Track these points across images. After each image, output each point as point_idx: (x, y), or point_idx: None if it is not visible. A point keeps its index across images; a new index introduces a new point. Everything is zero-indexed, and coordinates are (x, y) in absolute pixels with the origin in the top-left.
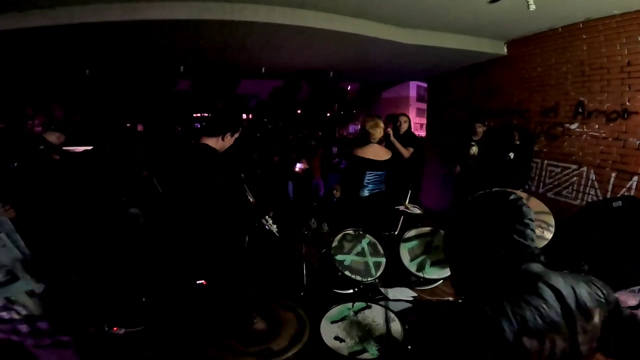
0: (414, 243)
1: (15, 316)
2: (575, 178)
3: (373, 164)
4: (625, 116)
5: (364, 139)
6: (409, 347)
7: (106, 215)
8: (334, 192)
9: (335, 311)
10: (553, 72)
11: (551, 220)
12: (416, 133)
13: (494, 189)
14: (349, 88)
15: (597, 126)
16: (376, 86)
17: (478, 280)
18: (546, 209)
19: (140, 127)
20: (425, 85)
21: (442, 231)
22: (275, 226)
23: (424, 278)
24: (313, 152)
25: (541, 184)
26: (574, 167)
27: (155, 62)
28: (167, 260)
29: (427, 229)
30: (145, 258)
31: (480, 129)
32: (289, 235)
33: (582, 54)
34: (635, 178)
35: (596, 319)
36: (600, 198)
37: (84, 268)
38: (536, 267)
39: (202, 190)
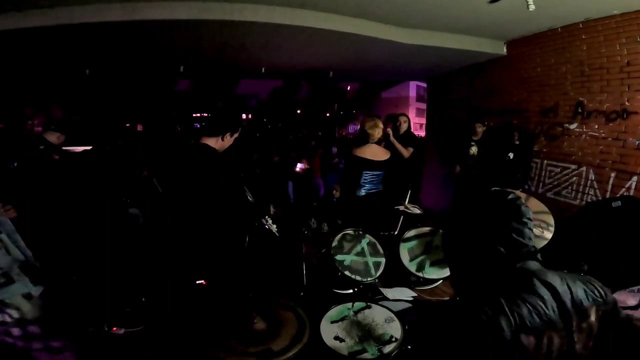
0: (413, 243)
1: (7, 319)
2: (574, 178)
3: (371, 164)
4: (625, 116)
5: (363, 139)
6: (409, 347)
7: (106, 215)
8: (334, 192)
9: (335, 311)
10: (552, 72)
11: (551, 220)
12: (416, 133)
13: (492, 189)
14: (348, 88)
15: (596, 126)
16: (376, 86)
17: (476, 278)
18: (546, 209)
19: (139, 127)
20: (424, 85)
21: (441, 231)
22: (275, 226)
23: (423, 278)
24: (313, 152)
25: (541, 184)
26: (574, 167)
27: (155, 62)
28: (166, 260)
29: (426, 229)
30: (145, 258)
31: (480, 129)
32: (289, 235)
33: (582, 54)
34: (635, 178)
35: (592, 317)
36: (600, 198)
37: (84, 268)
38: (533, 265)
39: (202, 190)
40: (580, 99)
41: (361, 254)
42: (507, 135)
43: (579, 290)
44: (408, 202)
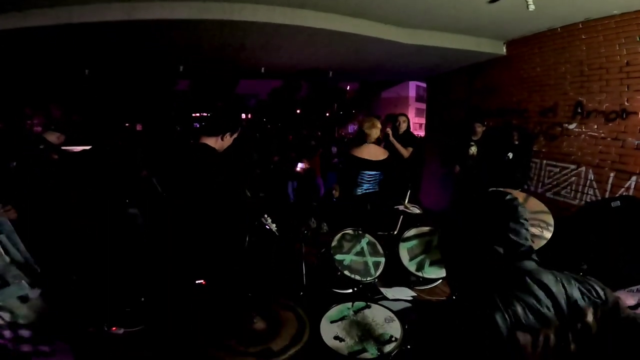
0: (413, 243)
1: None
2: (574, 178)
3: (368, 164)
4: (624, 116)
5: (361, 138)
6: (409, 346)
7: (106, 215)
8: (333, 191)
9: (334, 311)
10: (552, 72)
11: (550, 219)
12: (415, 133)
13: (490, 189)
14: (348, 88)
15: (595, 126)
16: (375, 86)
17: (472, 277)
18: (545, 209)
19: (139, 127)
20: (424, 85)
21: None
22: (274, 225)
23: (423, 278)
24: (312, 151)
25: (540, 184)
26: (573, 167)
27: (154, 62)
28: (166, 260)
29: (426, 229)
30: (145, 258)
31: (480, 128)
32: (289, 234)
33: (581, 54)
34: (634, 178)
35: (589, 318)
36: (599, 198)
37: (84, 268)
38: (529, 264)
39: (201, 190)
40: (580, 99)
41: (361, 253)
42: (507, 135)
43: (574, 291)
44: (408, 202)
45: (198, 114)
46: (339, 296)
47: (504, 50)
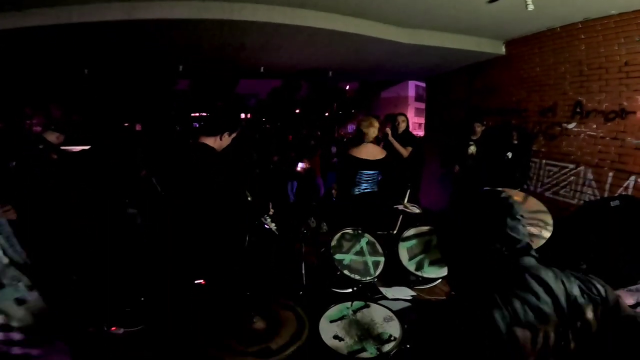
0: (412, 242)
1: None
2: (573, 177)
3: (366, 164)
4: (623, 116)
5: (359, 138)
6: (408, 346)
7: (105, 215)
8: (332, 191)
9: (334, 310)
10: (551, 72)
11: (549, 219)
12: (415, 133)
13: (485, 188)
14: (347, 88)
15: (595, 126)
16: (375, 86)
17: (472, 275)
18: (544, 208)
19: (138, 127)
20: (423, 85)
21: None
22: (273, 224)
23: (422, 277)
24: (312, 151)
25: (539, 184)
26: (572, 166)
27: (154, 61)
28: (166, 259)
29: (425, 228)
30: (144, 257)
31: (479, 128)
32: (289, 234)
33: (581, 53)
34: (633, 177)
35: (589, 315)
36: (598, 197)
37: (84, 268)
38: (528, 261)
39: (201, 189)
40: (579, 98)
41: (360, 253)
42: (506, 134)
43: (574, 288)
44: (407, 202)
45: (198, 114)
46: (339, 296)
47: (504, 50)
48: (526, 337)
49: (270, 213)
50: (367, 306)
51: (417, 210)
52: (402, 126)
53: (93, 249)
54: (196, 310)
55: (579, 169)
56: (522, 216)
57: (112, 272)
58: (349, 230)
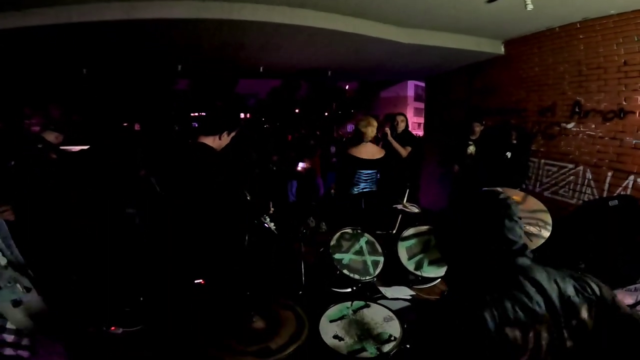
0: (412, 242)
1: None
2: (572, 177)
3: (365, 163)
4: (622, 115)
5: (358, 137)
6: (408, 345)
7: (104, 215)
8: (331, 191)
9: (334, 310)
10: (550, 72)
11: (548, 218)
12: (414, 132)
13: (483, 189)
14: (347, 87)
15: (593, 125)
16: (374, 86)
17: (467, 274)
18: (543, 207)
19: (137, 127)
20: (422, 84)
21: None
22: (273, 224)
23: (422, 277)
24: (312, 151)
25: (538, 183)
26: (571, 166)
27: (153, 61)
28: (165, 259)
29: (425, 228)
30: (144, 257)
31: (478, 128)
32: (288, 234)
33: (580, 53)
34: (632, 177)
35: (584, 314)
36: (597, 197)
37: (83, 268)
38: (523, 261)
39: (200, 189)
40: (578, 98)
41: (360, 252)
42: (505, 134)
43: (568, 287)
44: (406, 201)
45: (197, 114)
46: (338, 295)
47: (503, 50)
48: (516, 336)
49: (270, 212)
50: (367, 306)
51: (416, 210)
52: (401, 126)
53: (92, 249)
54: (196, 310)
55: (577, 168)
56: (519, 217)
57: (111, 272)
58: (348, 230)
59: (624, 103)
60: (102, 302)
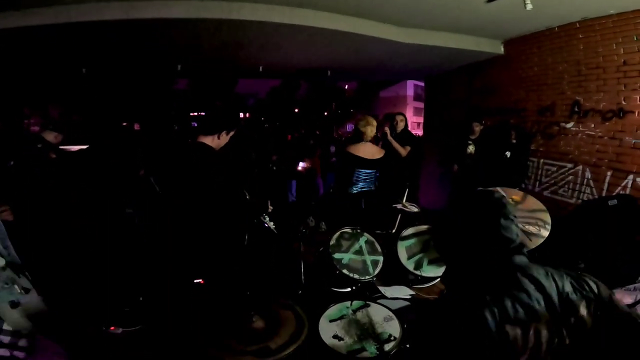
0: (411, 241)
1: None
2: (571, 177)
3: (364, 162)
4: (621, 115)
5: (357, 137)
6: (408, 345)
7: (104, 215)
8: (330, 190)
9: (333, 310)
10: (550, 72)
11: (547, 218)
12: (413, 132)
13: (479, 189)
14: (346, 87)
15: (593, 125)
16: (374, 85)
17: (465, 273)
18: (543, 207)
19: (137, 126)
20: (422, 84)
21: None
22: (272, 224)
23: (421, 276)
24: (311, 151)
25: (537, 183)
26: (570, 165)
27: (153, 61)
28: (165, 259)
29: (424, 227)
30: (143, 257)
31: (478, 127)
32: (288, 234)
33: (579, 53)
34: (631, 177)
35: (582, 312)
36: (596, 197)
37: (82, 268)
38: (520, 259)
39: (200, 188)
40: (577, 98)
41: (359, 252)
42: (504, 134)
43: (567, 285)
44: (406, 201)
45: (196, 113)
46: (338, 295)
47: (502, 49)
48: (517, 334)
49: (269, 210)
50: (367, 305)
51: (416, 210)
52: (401, 125)
53: (92, 249)
54: (195, 309)
55: (577, 168)
56: (515, 216)
57: (111, 272)
58: (348, 230)
59: (623, 103)
60: (101, 302)
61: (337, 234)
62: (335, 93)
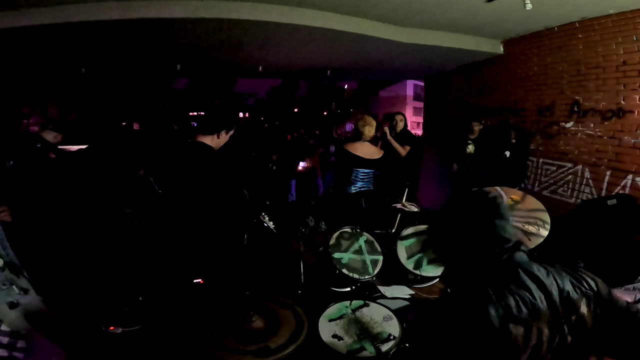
0: (411, 241)
1: None
2: (570, 176)
3: (361, 161)
4: (621, 115)
5: (356, 136)
6: (407, 344)
7: (103, 215)
8: (330, 190)
9: (333, 309)
10: (549, 71)
11: (547, 217)
12: (413, 132)
13: (474, 189)
14: (346, 87)
15: (592, 125)
16: (374, 85)
17: (465, 272)
18: (542, 207)
19: (136, 126)
20: (422, 84)
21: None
22: (271, 223)
23: (421, 276)
24: (311, 150)
25: (537, 182)
26: (569, 165)
27: (152, 60)
28: (164, 259)
29: (424, 227)
30: (142, 257)
31: (477, 127)
32: (287, 233)
33: (578, 53)
34: (630, 176)
35: (583, 310)
36: (595, 196)
37: (82, 268)
38: (520, 257)
39: (199, 188)
40: (577, 97)
41: (359, 251)
42: (504, 133)
43: (566, 283)
44: (405, 200)
45: (195, 113)
46: (337, 294)
47: (502, 49)
48: (519, 333)
49: (267, 204)
50: (366, 305)
51: (415, 209)
52: (400, 125)
53: (91, 249)
54: (195, 309)
55: (576, 167)
56: (510, 216)
57: (110, 272)
58: (348, 229)
59: (623, 102)
60: (101, 301)
61: (337, 233)
62: (334, 93)
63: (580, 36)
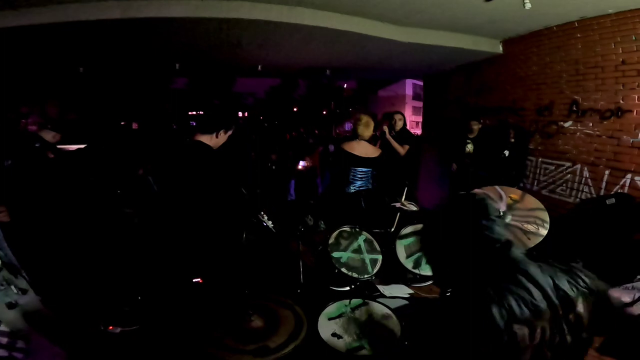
0: (410, 240)
1: None
2: (569, 175)
3: (359, 160)
4: (620, 114)
5: (354, 135)
6: (406, 343)
7: (102, 215)
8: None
9: (332, 308)
10: (548, 71)
11: (546, 216)
12: (412, 131)
13: (461, 192)
14: (345, 86)
15: (591, 124)
16: (373, 84)
17: (464, 273)
18: (541, 206)
19: (135, 126)
20: (421, 83)
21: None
22: (270, 222)
23: (420, 275)
24: (310, 150)
25: (536, 182)
26: (568, 164)
27: (151, 59)
28: (163, 258)
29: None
30: (141, 257)
31: (476, 126)
32: (286, 232)
33: (577, 52)
34: (629, 176)
35: (580, 308)
36: (594, 195)
37: (81, 267)
38: (517, 256)
39: (198, 187)
40: (575, 97)
41: (358, 251)
42: (503, 133)
43: (563, 282)
44: (405, 199)
45: (195, 112)
46: (337, 293)
47: (501, 49)
48: (524, 333)
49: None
50: (366, 304)
51: (415, 208)
52: (399, 124)
53: (90, 249)
54: (194, 308)
55: (575, 167)
56: (497, 216)
57: (109, 272)
58: (347, 228)
59: (622, 102)
60: (100, 301)
61: (336, 232)
62: (334, 92)
63: (579, 36)
